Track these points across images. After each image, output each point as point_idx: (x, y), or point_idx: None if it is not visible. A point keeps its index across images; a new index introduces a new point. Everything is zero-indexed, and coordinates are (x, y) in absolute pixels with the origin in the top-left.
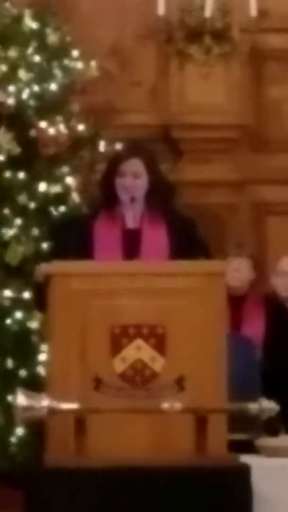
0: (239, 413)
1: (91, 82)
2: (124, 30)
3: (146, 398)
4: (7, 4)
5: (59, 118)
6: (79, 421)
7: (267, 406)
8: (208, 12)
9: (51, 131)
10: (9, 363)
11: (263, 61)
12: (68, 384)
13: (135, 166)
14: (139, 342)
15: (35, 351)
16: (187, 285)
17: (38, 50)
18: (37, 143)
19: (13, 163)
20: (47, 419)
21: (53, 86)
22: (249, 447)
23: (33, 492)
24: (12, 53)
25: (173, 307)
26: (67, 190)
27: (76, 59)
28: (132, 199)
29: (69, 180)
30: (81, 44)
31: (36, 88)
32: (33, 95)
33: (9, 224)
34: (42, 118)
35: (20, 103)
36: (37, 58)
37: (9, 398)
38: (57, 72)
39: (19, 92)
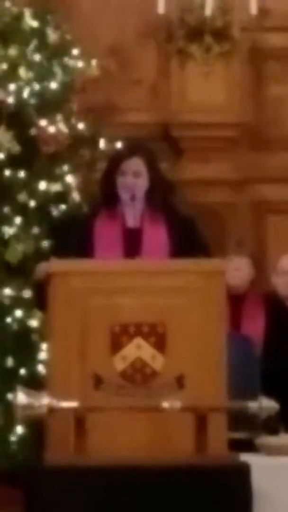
0: (239, 412)
1: (91, 81)
2: (125, 29)
3: (146, 396)
4: (7, 3)
5: (59, 116)
6: (79, 419)
7: (267, 404)
8: (208, 11)
9: (51, 129)
10: (9, 361)
11: (263, 59)
12: (68, 383)
13: (135, 165)
14: (139, 340)
15: (35, 350)
16: (187, 284)
17: (38, 49)
18: (37, 141)
19: (13, 161)
20: (47, 417)
21: (53, 85)
22: (249, 446)
23: (33, 490)
24: (12, 51)
25: (173, 306)
26: (67, 188)
27: (77, 58)
28: (133, 197)
29: (69, 179)
30: (81, 43)
31: (36, 86)
32: (33, 93)
33: (9, 223)
34: (42, 116)
35: (20, 102)
36: (37, 57)
37: (9, 396)
38: (57, 70)
39: (19, 90)
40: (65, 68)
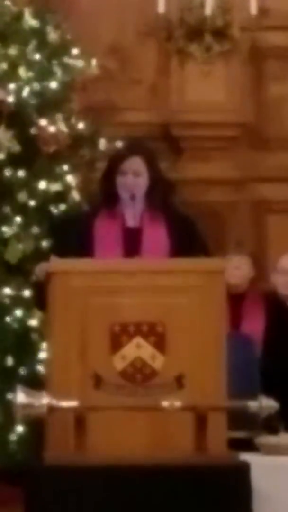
0: (238, 411)
1: (91, 80)
2: (124, 28)
3: (146, 396)
4: (7, 2)
5: (59, 116)
6: (79, 419)
7: (267, 404)
8: (208, 10)
9: (51, 129)
10: (9, 361)
11: (263, 59)
12: (68, 382)
13: (135, 165)
14: (139, 340)
15: (35, 349)
16: (187, 283)
17: (38, 48)
18: (37, 141)
19: (13, 161)
20: (47, 417)
21: (53, 84)
22: (249, 445)
23: (33, 489)
24: (12, 51)
25: (173, 305)
26: (67, 188)
27: (76, 57)
28: (132, 197)
29: (69, 178)
30: (81, 42)
31: (36, 86)
32: (33, 93)
33: (9, 222)
34: (42, 116)
35: (20, 101)
36: (37, 56)
37: (9, 396)
38: (57, 70)
39: (19, 90)
40: (65, 68)
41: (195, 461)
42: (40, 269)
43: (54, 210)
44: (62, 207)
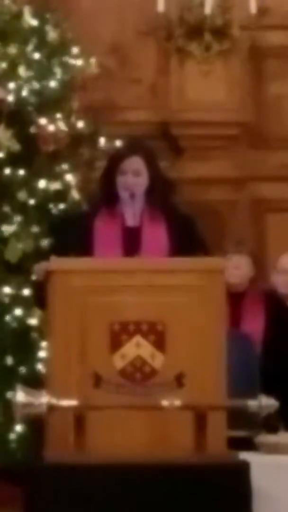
0: (238, 410)
1: (90, 79)
2: (124, 27)
3: (145, 395)
4: (7, 1)
5: (59, 115)
6: (79, 418)
7: (267, 403)
8: (208, 9)
9: (51, 128)
10: (9, 360)
11: (263, 58)
12: (67, 381)
13: (135, 164)
14: (138, 339)
15: (35, 348)
16: (186, 282)
17: (38, 47)
18: (37, 140)
19: (13, 160)
20: (46, 416)
21: (53, 83)
22: (249, 444)
23: (33, 488)
24: (12, 50)
25: (173, 304)
26: (66, 187)
27: (76, 56)
28: (132, 196)
29: (69, 177)
30: (81, 41)
31: (36, 85)
32: (33, 92)
33: (9, 221)
34: (42, 115)
35: (20, 100)
36: (37, 55)
37: (9, 395)
38: (57, 69)
39: (19, 89)
40: (65, 67)
41: (194, 460)
42: (39, 268)
43: (53, 209)
44: (62, 206)
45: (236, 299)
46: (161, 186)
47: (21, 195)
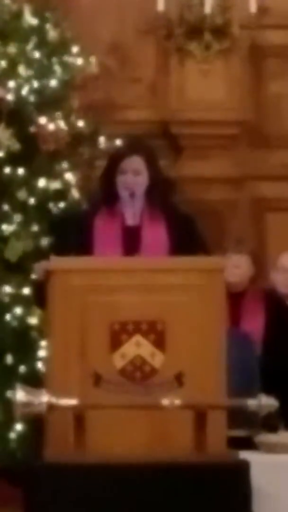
0: (238, 409)
1: (90, 78)
2: (124, 27)
3: (145, 394)
4: (7, 0)
5: (58, 114)
6: (79, 417)
7: (266, 402)
8: (208, 9)
9: (51, 127)
10: (9, 359)
11: (263, 57)
12: (67, 380)
13: (135, 163)
14: (138, 338)
15: (35, 347)
16: (186, 281)
17: (37, 46)
18: (36, 139)
19: (13, 159)
20: (46, 415)
21: (52, 82)
22: (248, 443)
23: (33, 488)
24: (12, 49)
25: (173, 303)
26: (66, 186)
27: (76, 55)
28: (132, 195)
29: (69, 176)
30: (81, 40)
31: (35, 84)
32: (32, 91)
33: (9, 220)
34: (41, 114)
35: (19, 99)
36: (36, 54)
37: (9, 394)
38: (57, 68)
39: (18, 88)
40: (65, 66)
41: (194, 460)
42: (39, 268)
43: (53, 208)
44: (62, 205)
45: (236, 298)
46: (161, 186)
47: (21, 194)
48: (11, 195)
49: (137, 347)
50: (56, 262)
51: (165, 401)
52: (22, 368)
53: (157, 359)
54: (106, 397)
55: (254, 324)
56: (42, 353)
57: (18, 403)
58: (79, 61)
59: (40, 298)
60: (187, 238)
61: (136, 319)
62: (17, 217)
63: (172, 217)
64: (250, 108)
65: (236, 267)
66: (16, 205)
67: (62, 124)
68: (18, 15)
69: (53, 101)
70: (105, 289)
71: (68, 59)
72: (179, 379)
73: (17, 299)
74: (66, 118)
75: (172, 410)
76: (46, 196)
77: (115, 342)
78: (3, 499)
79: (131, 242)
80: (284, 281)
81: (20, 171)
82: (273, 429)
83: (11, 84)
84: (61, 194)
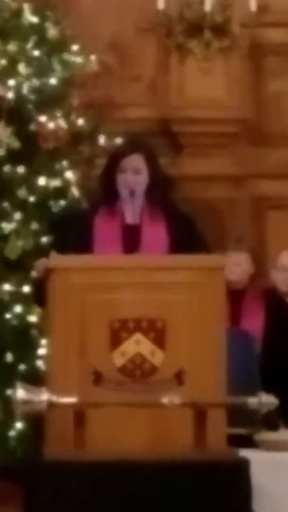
0: (238, 407)
1: (90, 76)
2: (124, 25)
3: (145, 392)
4: None
5: (58, 112)
6: (79, 415)
7: (266, 400)
8: (208, 6)
9: (51, 125)
10: (9, 357)
11: (263, 55)
12: (67, 378)
13: (135, 162)
14: (138, 336)
15: (35, 345)
16: (186, 279)
17: (37, 44)
18: (36, 137)
19: (13, 157)
20: (46, 413)
21: (52, 80)
22: (248, 441)
23: (33, 486)
24: (12, 47)
25: (173, 301)
26: (66, 184)
27: (76, 53)
28: (132, 193)
29: (69, 174)
30: (81, 39)
31: (35, 82)
32: (32, 89)
33: (9, 218)
34: (41, 112)
35: (19, 97)
36: (36, 52)
37: (9, 392)
38: (57, 66)
39: (18, 86)
40: (65, 64)
41: (194, 458)
42: (39, 266)
43: (53, 206)
44: (62, 203)
45: (236, 297)
46: (161, 184)
47: (21, 192)
48: (11, 193)
49: (137, 345)
50: (56, 260)
51: (165, 399)
52: (22, 366)
53: (157, 357)
54: (106, 395)
55: (254, 322)
56: (42, 351)
57: (18, 401)
58: (79, 59)
59: (40, 296)
60: (187, 237)
61: (136, 317)
62: (17, 215)
63: (172, 216)
64: (250, 106)
65: (236, 265)
66: (16, 203)
67: (62, 122)
68: (18, 13)
69: (53, 99)
70: (105, 287)
71: (68, 57)
72: (179, 377)
73: (17, 297)
74: (66, 116)
75: (172, 408)
76: (46, 194)
77: (115, 340)
78: (3, 497)
79: (131, 240)
80: (284, 279)
81: (20, 169)
82: (273, 427)
83: (11, 82)
84: (61, 192)
